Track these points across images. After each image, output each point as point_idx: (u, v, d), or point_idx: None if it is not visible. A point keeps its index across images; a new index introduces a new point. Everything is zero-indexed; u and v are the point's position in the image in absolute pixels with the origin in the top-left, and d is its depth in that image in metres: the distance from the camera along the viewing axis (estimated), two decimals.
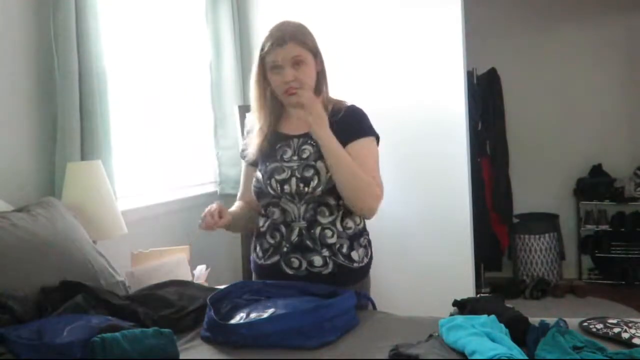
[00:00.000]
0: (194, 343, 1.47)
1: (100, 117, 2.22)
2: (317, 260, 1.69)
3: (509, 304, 1.57)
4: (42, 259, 1.62)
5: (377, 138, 1.78)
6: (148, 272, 2.02)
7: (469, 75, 3.95)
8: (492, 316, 1.36)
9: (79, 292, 1.54)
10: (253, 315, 1.46)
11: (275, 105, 1.79)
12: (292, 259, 1.70)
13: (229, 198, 2.20)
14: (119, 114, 2.52)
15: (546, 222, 4.57)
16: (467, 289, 2.98)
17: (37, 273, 1.58)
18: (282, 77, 1.68)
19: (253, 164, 1.81)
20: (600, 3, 4.54)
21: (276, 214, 1.72)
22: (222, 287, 1.71)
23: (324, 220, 1.69)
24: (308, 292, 1.62)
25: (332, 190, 1.67)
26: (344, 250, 1.71)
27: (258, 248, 1.80)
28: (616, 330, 1.35)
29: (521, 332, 1.32)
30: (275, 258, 1.73)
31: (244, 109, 3.05)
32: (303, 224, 1.69)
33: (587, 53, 4.60)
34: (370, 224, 1.84)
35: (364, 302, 1.71)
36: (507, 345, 1.20)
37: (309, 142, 1.73)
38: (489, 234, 4.39)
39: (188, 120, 3.14)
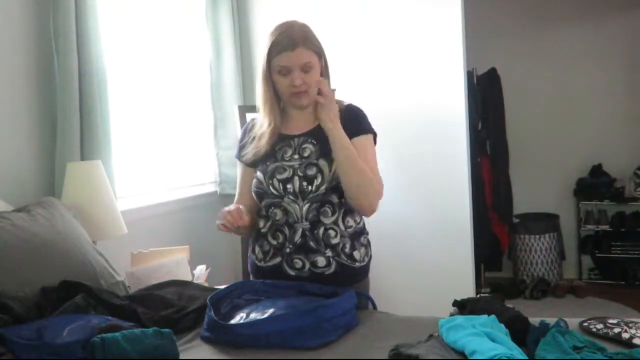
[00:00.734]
0: (194, 343, 1.47)
1: (100, 117, 2.22)
2: (321, 260, 1.69)
3: (509, 304, 1.57)
4: (42, 259, 1.62)
5: (375, 136, 1.79)
6: (148, 272, 2.02)
7: (469, 75, 3.95)
8: (492, 316, 1.36)
9: (79, 292, 1.54)
10: (253, 315, 1.46)
11: (278, 106, 1.78)
12: (296, 260, 1.70)
13: (229, 198, 2.20)
14: (119, 114, 2.52)
15: (546, 222, 4.57)
16: (467, 289, 2.98)
17: (37, 273, 1.57)
18: (290, 81, 1.68)
19: (251, 165, 1.79)
20: (601, 3, 4.54)
21: (278, 214, 1.71)
22: (222, 287, 1.71)
23: (327, 221, 1.69)
24: (308, 292, 1.63)
25: (335, 188, 1.67)
26: (347, 250, 1.71)
27: (258, 250, 1.78)
28: (616, 330, 1.35)
29: (521, 332, 1.32)
30: (277, 260, 1.72)
31: (244, 109, 3.05)
32: (306, 224, 1.68)
33: (587, 53, 4.60)
34: (370, 224, 1.84)
35: (364, 301, 1.71)
36: (507, 345, 1.20)
37: (310, 140, 1.73)
38: (489, 234, 4.39)
39: (188, 120, 3.13)
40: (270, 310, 1.45)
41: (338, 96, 1.82)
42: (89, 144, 2.20)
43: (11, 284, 1.48)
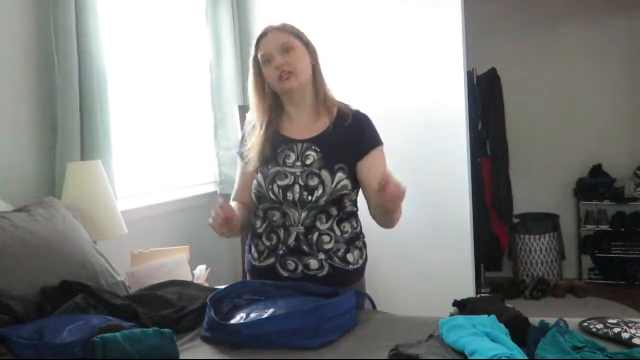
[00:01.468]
0: (194, 343, 1.47)
1: (100, 117, 2.22)
2: (313, 263, 1.68)
3: (509, 304, 1.57)
4: (42, 259, 1.62)
5: (382, 144, 1.79)
6: (148, 272, 2.02)
7: (469, 75, 3.95)
8: (492, 316, 1.36)
9: (79, 292, 1.54)
10: (253, 315, 1.46)
11: (275, 105, 1.77)
12: (288, 262, 1.69)
13: (229, 198, 2.20)
14: (119, 114, 2.52)
15: (546, 222, 4.57)
16: (467, 289, 2.98)
17: (37, 273, 1.57)
18: (273, 65, 1.67)
19: (254, 166, 1.76)
20: (601, 3, 4.54)
21: (276, 216, 1.70)
22: (222, 287, 1.71)
23: (323, 227, 1.68)
24: (308, 292, 1.62)
25: (335, 201, 1.66)
26: (340, 253, 1.70)
27: (253, 249, 1.78)
28: (616, 330, 1.35)
29: (521, 332, 1.32)
30: (271, 260, 1.72)
31: (244, 109, 3.04)
32: (301, 229, 1.68)
33: (587, 53, 4.60)
34: (370, 224, 1.84)
35: (362, 300, 1.70)
36: (507, 345, 1.20)
37: (313, 147, 1.70)
38: (489, 234, 4.39)
39: (188, 120, 3.13)
40: (271, 310, 1.45)
41: (340, 97, 1.82)
42: (89, 143, 2.19)
43: (11, 284, 1.48)
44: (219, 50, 3.19)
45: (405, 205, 1.66)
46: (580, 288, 4.25)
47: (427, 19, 3.00)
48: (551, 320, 1.34)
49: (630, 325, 1.36)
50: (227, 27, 3.19)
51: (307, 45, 1.74)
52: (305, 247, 1.67)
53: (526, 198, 4.71)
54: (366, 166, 1.71)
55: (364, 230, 1.83)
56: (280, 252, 1.70)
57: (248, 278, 1.83)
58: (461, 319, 1.35)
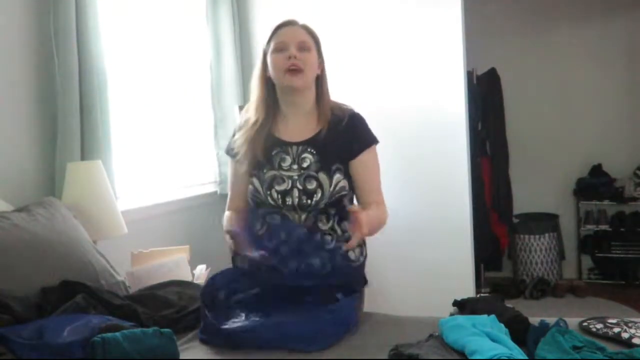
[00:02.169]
0: (194, 343, 1.47)
1: (100, 117, 2.22)
2: (316, 262, 1.64)
3: (509, 304, 1.57)
4: (42, 259, 1.62)
5: (377, 142, 1.78)
6: (148, 272, 2.02)
7: (469, 75, 3.95)
8: (492, 316, 1.36)
9: (79, 292, 1.54)
10: (252, 319, 1.45)
11: (271, 105, 1.75)
12: (290, 262, 1.65)
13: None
14: (119, 114, 2.52)
15: (546, 222, 4.57)
16: (467, 289, 2.98)
17: (37, 273, 1.57)
18: (286, 54, 1.65)
19: (245, 164, 1.74)
20: (601, 3, 4.54)
21: (276, 219, 1.69)
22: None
23: (324, 227, 1.68)
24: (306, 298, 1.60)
25: (334, 203, 1.66)
26: (342, 251, 1.68)
27: (254, 250, 1.78)
28: (616, 330, 1.35)
29: (521, 332, 1.32)
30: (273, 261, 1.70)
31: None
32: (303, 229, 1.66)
33: (587, 53, 4.60)
34: None
35: (361, 300, 1.69)
36: (507, 345, 1.20)
37: (309, 150, 1.69)
38: (489, 234, 4.39)
39: (188, 120, 3.13)
40: (270, 318, 1.45)
41: (340, 97, 1.82)
42: (89, 144, 2.19)
43: (11, 284, 1.48)
44: (219, 50, 3.19)
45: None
46: (580, 288, 4.25)
47: (427, 19, 3.00)
48: (551, 320, 1.34)
49: (630, 325, 1.36)
50: (227, 27, 3.19)
51: (319, 53, 1.74)
52: (307, 248, 1.66)
53: (526, 198, 4.71)
54: (358, 166, 1.70)
55: None
56: (282, 252, 1.67)
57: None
58: (461, 319, 1.35)
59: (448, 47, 2.97)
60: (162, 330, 1.33)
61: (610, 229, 4.46)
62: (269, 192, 1.67)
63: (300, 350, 1.36)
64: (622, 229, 4.42)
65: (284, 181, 1.67)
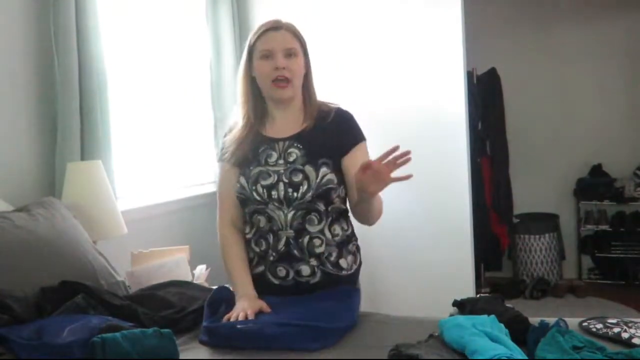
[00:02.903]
0: (194, 343, 1.47)
1: (100, 117, 2.22)
2: (305, 269, 1.63)
3: (509, 304, 1.57)
4: (42, 259, 1.62)
5: (365, 140, 1.75)
6: (148, 272, 2.02)
7: (469, 75, 3.95)
8: (492, 316, 1.36)
9: (79, 292, 1.54)
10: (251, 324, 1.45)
11: (258, 105, 1.73)
12: (279, 269, 1.65)
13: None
14: (119, 114, 2.52)
15: (546, 222, 4.57)
16: (467, 289, 2.97)
17: (37, 273, 1.58)
18: (273, 63, 1.63)
19: (235, 164, 1.71)
20: (601, 3, 4.54)
21: (262, 221, 1.65)
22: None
23: (313, 229, 1.64)
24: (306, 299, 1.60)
25: (322, 195, 1.62)
26: (332, 258, 1.66)
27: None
28: (616, 330, 1.35)
29: (521, 332, 1.32)
30: (261, 268, 1.67)
31: None
32: (290, 232, 1.63)
33: (587, 53, 4.60)
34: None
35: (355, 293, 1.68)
36: (507, 345, 1.20)
37: (295, 145, 1.67)
38: (489, 234, 4.39)
39: (188, 119, 3.13)
40: (271, 318, 1.45)
41: (340, 97, 1.81)
42: (89, 143, 2.20)
43: (11, 284, 1.48)
44: (219, 50, 3.19)
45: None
46: (580, 288, 4.25)
47: (427, 19, 3.00)
48: (551, 320, 1.34)
49: (630, 325, 1.36)
50: (227, 27, 3.19)
51: (305, 53, 1.72)
52: (296, 252, 1.63)
53: (526, 198, 4.70)
54: (349, 163, 1.67)
55: (362, 232, 1.81)
56: (271, 258, 1.65)
57: None
58: (461, 319, 1.35)
59: (448, 47, 2.97)
60: (162, 330, 1.33)
61: (610, 229, 4.46)
62: (254, 188, 1.64)
63: (300, 350, 1.36)
64: (622, 229, 4.41)
65: (269, 176, 1.64)
